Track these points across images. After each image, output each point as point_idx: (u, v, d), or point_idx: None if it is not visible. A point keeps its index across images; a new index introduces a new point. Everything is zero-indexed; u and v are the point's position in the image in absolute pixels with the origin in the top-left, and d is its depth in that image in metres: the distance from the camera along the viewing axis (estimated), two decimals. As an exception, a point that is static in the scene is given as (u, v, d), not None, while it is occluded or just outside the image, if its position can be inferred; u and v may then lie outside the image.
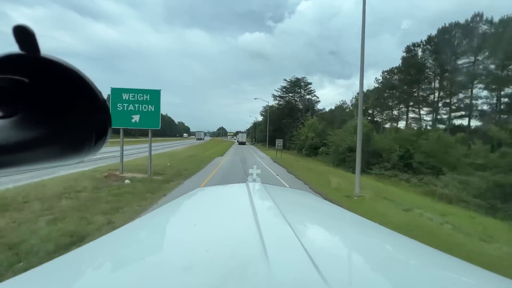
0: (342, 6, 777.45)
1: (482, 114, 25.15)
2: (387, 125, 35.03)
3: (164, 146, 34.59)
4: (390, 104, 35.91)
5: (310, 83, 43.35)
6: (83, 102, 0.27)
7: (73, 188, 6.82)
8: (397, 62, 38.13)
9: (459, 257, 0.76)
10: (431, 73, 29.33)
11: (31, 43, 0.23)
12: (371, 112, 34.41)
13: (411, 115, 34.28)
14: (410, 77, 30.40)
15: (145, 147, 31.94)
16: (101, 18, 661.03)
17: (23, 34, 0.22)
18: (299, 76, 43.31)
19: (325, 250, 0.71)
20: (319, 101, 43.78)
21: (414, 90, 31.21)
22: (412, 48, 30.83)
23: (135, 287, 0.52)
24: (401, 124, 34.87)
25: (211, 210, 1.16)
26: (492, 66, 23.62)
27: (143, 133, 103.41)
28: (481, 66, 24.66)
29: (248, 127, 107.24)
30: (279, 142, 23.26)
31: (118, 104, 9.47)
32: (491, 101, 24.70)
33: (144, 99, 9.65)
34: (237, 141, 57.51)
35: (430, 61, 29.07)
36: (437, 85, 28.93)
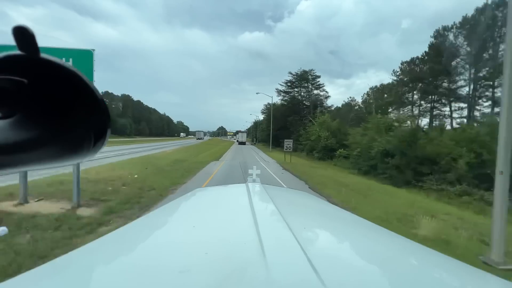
0: (341, 5, 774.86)
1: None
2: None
3: (154, 147, 30.32)
4: (410, 99, 31.59)
5: (319, 76, 38.71)
6: (82, 103, 0.27)
7: None
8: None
9: None
10: (464, 62, 24.92)
11: (31, 44, 0.23)
12: (391, 110, 29.86)
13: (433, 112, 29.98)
14: (438, 66, 25.96)
15: (130, 148, 27.30)
16: (100, 17, 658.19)
17: (22, 35, 0.22)
18: (306, 69, 38.60)
19: (324, 251, 0.71)
20: (328, 96, 39.18)
21: (442, 82, 26.84)
22: (442, 32, 26.44)
23: None
24: (423, 123, 30.56)
25: (210, 211, 1.16)
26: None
27: (139, 133, 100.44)
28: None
29: (249, 127, 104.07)
30: (288, 143, 18.86)
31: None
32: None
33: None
34: (237, 141, 57.46)
35: (464, 47, 24.64)
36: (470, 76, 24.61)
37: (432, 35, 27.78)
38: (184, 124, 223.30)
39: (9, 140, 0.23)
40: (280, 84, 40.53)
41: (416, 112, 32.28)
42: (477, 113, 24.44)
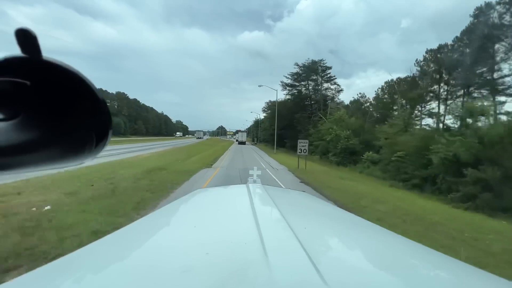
0: (341, 5, 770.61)
1: None
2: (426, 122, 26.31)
3: (141, 148, 26.03)
4: (436, 92, 27.17)
5: (330, 67, 33.36)
6: (84, 104, 0.27)
7: None
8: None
9: None
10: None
11: (33, 46, 0.23)
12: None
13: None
14: (478, 53, 21.48)
15: (112, 150, 22.58)
16: (100, 17, 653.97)
17: (25, 37, 0.22)
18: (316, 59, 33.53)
19: (326, 252, 0.71)
20: (341, 90, 34.11)
21: (482, 71, 22.40)
22: (485, 10, 21.96)
23: None
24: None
25: (211, 211, 1.15)
26: None
27: (135, 132, 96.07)
28: None
29: (249, 126, 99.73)
30: (302, 144, 14.39)
31: None
32: None
33: None
34: (236, 140, 56.37)
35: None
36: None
37: (471, 14, 23.29)
38: (183, 123, 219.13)
39: (12, 141, 0.23)
40: (286, 76, 35.62)
41: (442, 108, 27.95)
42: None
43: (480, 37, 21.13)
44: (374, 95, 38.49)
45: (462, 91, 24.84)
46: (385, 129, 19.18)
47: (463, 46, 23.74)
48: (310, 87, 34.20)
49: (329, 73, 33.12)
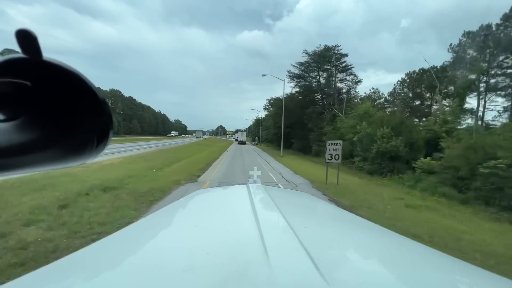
0: (340, 4, 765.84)
1: None
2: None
3: (122, 149, 21.45)
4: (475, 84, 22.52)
5: (346, 55, 27.80)
6: (85, 105, 0.27)
7: None
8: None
9: None
10: None
11: (34, 47, 0.23)
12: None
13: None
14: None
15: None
16: (99, 16, 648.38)
17: (25, 38, 0.22)
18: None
19: (327, 251, 0.70)
20: (359, 81, 28.47)
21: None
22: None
23: None
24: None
25: (211, 211, 1.14)
26: None
27: (130, 131, 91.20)
28: None
29: (249, 125, 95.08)
30: (334, 147, 9.59)
31: None
32: None
33: None
34: (236, 140, 56.42)
35: None
36: None
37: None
38: (182, 122, 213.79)
39: (12, 142, 0.23)
40: (294, 65, 30.16)
41: (482, 102, 23.30)
42: None
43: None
44: (392, 90, 34.18)
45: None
46: (430, 125, 14.70)
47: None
48: (321, 79, 29.27)
49: (345, 61, 27.92)
